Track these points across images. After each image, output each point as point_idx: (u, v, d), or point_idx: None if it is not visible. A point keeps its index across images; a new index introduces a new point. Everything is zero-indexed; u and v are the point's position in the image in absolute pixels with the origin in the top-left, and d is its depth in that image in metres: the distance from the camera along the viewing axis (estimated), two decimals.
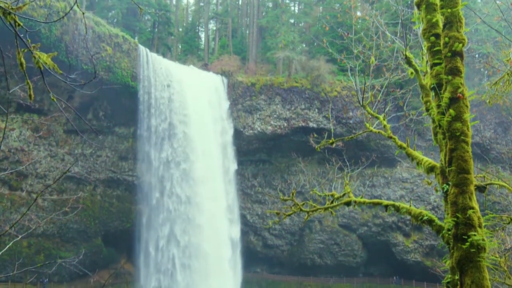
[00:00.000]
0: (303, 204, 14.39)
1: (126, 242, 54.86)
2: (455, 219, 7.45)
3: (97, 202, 53.81)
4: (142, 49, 52.06)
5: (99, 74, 47.17)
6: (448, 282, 9.37)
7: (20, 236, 10.44)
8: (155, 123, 51.91)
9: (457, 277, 7.91)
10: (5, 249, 10.02)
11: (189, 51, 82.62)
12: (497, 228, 13.93)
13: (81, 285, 52.05)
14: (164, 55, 67.81)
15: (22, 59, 5.50)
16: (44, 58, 5.53)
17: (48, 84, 6.08)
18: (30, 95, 5.59)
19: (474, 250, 7.04)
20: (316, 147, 14.58)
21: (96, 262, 52.63)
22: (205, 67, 64.86)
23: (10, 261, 44.30)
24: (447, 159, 7.99)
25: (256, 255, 64.11)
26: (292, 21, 76.64)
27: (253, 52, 71.09)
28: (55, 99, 5.61)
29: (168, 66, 54.37)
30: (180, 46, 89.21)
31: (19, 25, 5.43)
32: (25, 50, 5.44)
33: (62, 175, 8.57)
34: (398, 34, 14.95)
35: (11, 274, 9.41)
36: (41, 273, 48.13)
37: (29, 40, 5.41)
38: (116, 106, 51.46)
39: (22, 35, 5.35)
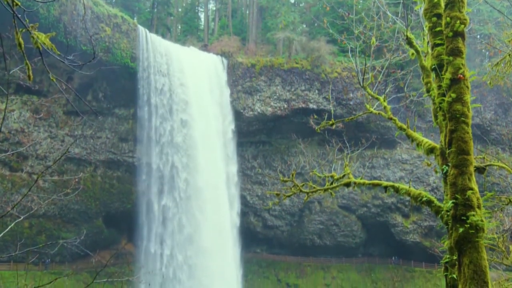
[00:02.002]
0: (303, 185, 14.44)
1: (127, 223, 55.22)
2: (454, 200, 7.48)
3: (98, 183, 54.00)
4: (142, 30, 51.64)
5: (98, 55, 46.86)
6: (446, 262, 9.46)
7: (22, 217, 10.50)
8: (154, 104, 51.75)
9: (455, 257, 7.98)
10: (6, 229, 10.08)
11: (188, 31, 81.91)
12: (496, 209, 14.01)
13: (83, 265, 52.61)
14: (163, 36, 67.28)
15: (21, 39, 5.46)
16: (43, 38, 5.49)
17: (47, 65, 6.04)
18: (29, 76, 5.56)
19: (472, 230, 7.08)
20: (316, 128, 14.57)
21: (97, 243, 53.07)
22: (205, 48, 64.42)
23: (12, 241, 44.63)
24: (447, 140, 7.99)
25: (256, 236, 64.60)
26: (292, 1, 75.93)
27: (253, 32, 70.53)
28: (54, 80, 5.59)
29: (168, 47, 53.99)
30: (179, 27, 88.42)
31: (16, 4, 5.37)
32: (23, 30, 5.39)
33: (62, 155, 8.58)
34: (399, 15, 14.82)
35: (13, 254, 9.48)
36: (43, 253, 48.59)
37: (27, 20, 5.37)
38: (116, 87, 51.28)
39: (20, 15, 5.30)
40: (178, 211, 52.00)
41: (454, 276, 9.03)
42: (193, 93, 53.01)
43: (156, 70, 51.58)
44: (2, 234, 9.78)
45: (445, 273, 9.60)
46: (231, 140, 57.47)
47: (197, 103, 53.08)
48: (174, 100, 52.46)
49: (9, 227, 10.20)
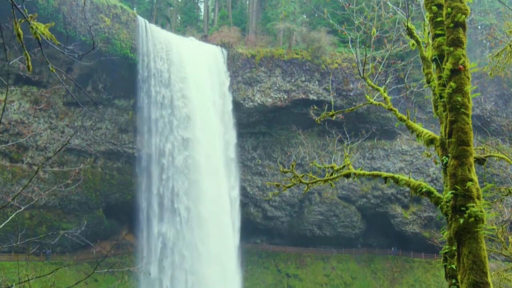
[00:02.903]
0: (303, 176, 14.46)
1: (127, 214, 55.40)
2: (454, 190, 7.49)
3: (98, 174, 54.08)
4: (141, 20, 51.40)
5: (98, 46, 46.71)
6: (445, 253, 9.50)
7: (22, 208, 10.52)
8: (154, 95, 51.66)
9: (454, 248, 8.01)
10: (7, 220, 10.11)
11: (188, 22, 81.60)
12: (495, 200, 14.05)
13: (84, 255, 52.85)
14: (163, 27, 66.99)
15: (19, 29, 5.44)
16: (42, 28, 5.47)
17: (46, 56, 6.02)
18: (28, 67, 5.55)
19: (472, 221, 7.10)
20: (316, 119, 14.56)
21: (98, 234, 53.25)
22: (205, 38, 64.19)
23: (13, 232, 44.82)
24: (447, 131, 7.98)
25: (256, 227, 64.81)
26: None
27: (253, 23, 70.26)
28: (54, 70, 5.57)
29: (168, 38, 53.77)
30: (179, 17, 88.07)
31: None
32: (22, 21, 5.37)
33: (62, 147, 8.58)
34: (400, 5, 14.76)
35: (14, 245, 9.51)
36: (44, 244, 48.82)
37: (26, 10, 5.34)
38: (116, 78, 51.17)
39: (19, 5, 5.28)
40: (179, 200, 52.14)
41: (453, 266, 9.07)
42: (193, 84, 52.90)
43: (156, 61, 51.43)
44: (3, 224, 9.81)
45: (444, 264, 9.64)
46: (232, 130, 57.46)
47: (197, 94, 52.98)
48: (173, 91, 52.35)
49: (10, 217, 10.23)
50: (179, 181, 52.33)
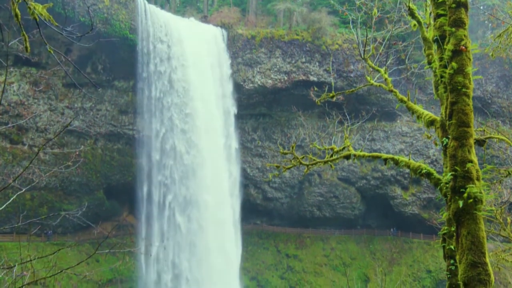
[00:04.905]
0: (303, 157, 14.48)
1: (128, 195, 55.62)
2: (454, 172, 7.51)
3: (98, 155, 54.18)
4: (140, 1, 50.89)
5: (97, 27, 46.34)
6: (444, 234, 9.57)
7: (23, 189, 10.56)
8: (154, 76, 51.46)
9: (453, 229, 8.05)
10: (9, 201, 10.15)
11: (188, 2, 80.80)
12: (495, 181, 14.09)
13: (85, 236, 53.28)
14: (162, 7, 66.36)
15: (17, 10, 5.39)
16: (39, 9, 5.42)
17: (45, 37, 5.98)
18: (26, 47, 5.52)
19: (471, 202, 7.13)
20: (317, 100, 14.52)
21: (99, 215, 53.55)
22: (205, 19, 63.62)
23: (14, 213, 45.07)
24: (447, 112, 7.97)
25: (256, 208, 65.15)
26: None
27: (253, 3, 69.55)
28: (52, 51, 5.54)
29: (167, 18, 53.31)
30: None
31: None
32: (20, 1, 5.32)
33: (63, 129, 8.58)
34: None
35: (16, 225, 9.57)
36: (45, 225, 49.14)
37: None
38: (115, 60, 50.89)
39: None
40: (179, 181, 52.31)
41: (452, 247, 9.14)
42: (192, 65, 52.63)
43: (156, 42, 51.09)
44: (4, 206, 9.85)
45: (443, 244, 9.72)
46: (232, 111, 57.34)
47: (196, 75, 52.73)
48: (173, 72, 52.10)
49: (11, 199, 10.27)
50: (179, 162, 52.42)
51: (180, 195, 52.14)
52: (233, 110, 57.13)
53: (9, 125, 42.48)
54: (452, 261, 9.29)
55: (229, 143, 56.74)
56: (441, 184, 9.36)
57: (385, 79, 13.08)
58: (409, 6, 11.54)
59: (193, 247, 51.71)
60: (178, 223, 51.89)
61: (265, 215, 66.61)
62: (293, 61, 57.59)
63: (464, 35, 7.88)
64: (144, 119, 53.19)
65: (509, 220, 17.04)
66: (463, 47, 7.77)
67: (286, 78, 57.61)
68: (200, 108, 52.65)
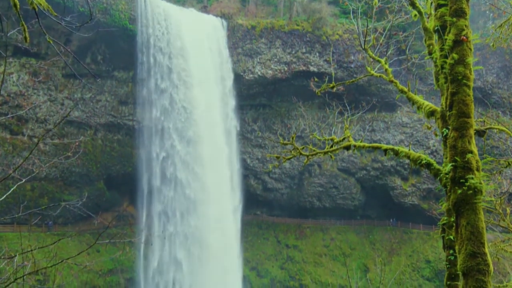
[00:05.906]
0: (303, 148, 14.48)
1: (128, 186, 55.69)
2: (454, 162, 7.51)
3: (98, 146, 54.20)
4: None
5: (96, 17, 46.15)
6: (444, 224, 9.60)
7: (24, 180, 10.57)
8: (154, 67, 51.32)
9: (453, 219, 8.07)
10: (9, 192, 10.18)
11: None
12: (494, 172, 14.10)
13: (85, 226, 53.47)
14: None
15: (16, 0, 5.36)
16: None
17: (44, 27, 5.95)
18: (25, 38, 5.50)
19: (471, 192, 7.13)
20: (317, 91, 14.49)
21: (99, 205, 53.68)
22: (204, 9, 63.33)
23: (15, 203, 45.18)
24: (448, 103, 7.95)
25: (256, 198, 65.28)
26: None
27: None
28: (51, 41, 5.52)
29: (167, 8, 53.07)
30: None
31: None
32: None
33: (63, 119, 8.57)
34: None
35: (16, 216, 9.61)
36: (46, 215, 49.25)
37: None
38: (115, 50, 50.73)
39: None
40: (180, 172, 52.38)
41: (451, 237, 9.17)
42: (192, 55, 52.48)
43: (155, 32, 50.89)
44: (4, 196, 9.88)
45: (443, 235, 9.75)
46: (232, 102, 57.25)
47: (197, 65, 52.60)
48: (173, 62, 51.96)
49: (12, 189, 10.30)
50: (179, 153, 52.46)
51: (182, 184, 52.28)
52: (233, 98, 56.98)
53: (9, 116, 42.32)
54: (451, 251, 9.33)
55: (229, 133, 56.68)
56: (441, 175, 9.36)
57: (386, 70, 13.03)
58: None
59: (192, 236, 51.91)
60: (178, 213, 52.08)
61: (265, 205, 66.75)
62: (293, 52, 57.41)
63: (465, 25, 7.84)
64: (144, 109, 53.12)
65: (508, 211, 17.08)
66: (464, 37, 7.73)
67: (286, 68, 57.46)
68: (200, 97, 52.50)
